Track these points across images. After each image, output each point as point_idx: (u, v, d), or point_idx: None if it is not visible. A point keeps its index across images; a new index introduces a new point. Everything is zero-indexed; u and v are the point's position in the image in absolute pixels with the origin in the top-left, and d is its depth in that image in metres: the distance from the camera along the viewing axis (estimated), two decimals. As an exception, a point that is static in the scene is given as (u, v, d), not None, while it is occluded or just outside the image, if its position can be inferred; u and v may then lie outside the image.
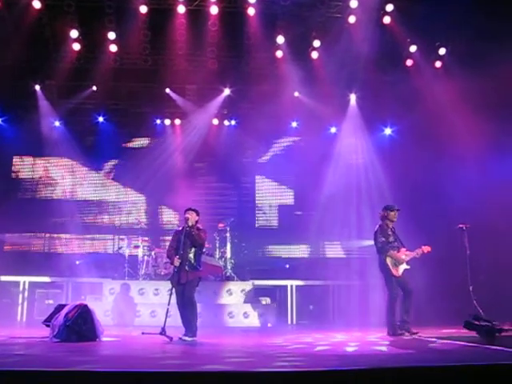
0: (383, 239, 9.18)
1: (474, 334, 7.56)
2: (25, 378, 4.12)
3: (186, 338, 8.06)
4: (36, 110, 14.11)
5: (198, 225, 8.79)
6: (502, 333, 7.04)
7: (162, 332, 8.08)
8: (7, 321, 11.52)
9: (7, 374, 4.14)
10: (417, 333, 8.71)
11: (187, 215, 8.71)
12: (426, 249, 9.15)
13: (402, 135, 14.32)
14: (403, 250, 9.19)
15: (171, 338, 7.97)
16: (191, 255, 8.56)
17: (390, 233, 9.28)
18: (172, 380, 4.22)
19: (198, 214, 8.87)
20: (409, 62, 13.17)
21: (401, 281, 9.05)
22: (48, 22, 12.53)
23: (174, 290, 8.52)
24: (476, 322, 7.33)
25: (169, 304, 8.42)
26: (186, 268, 8.41)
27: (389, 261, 9.07)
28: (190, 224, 8.63)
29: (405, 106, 12.98)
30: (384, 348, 7.05)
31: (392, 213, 9.35)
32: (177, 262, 8.35)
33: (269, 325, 11.71)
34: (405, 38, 12.68)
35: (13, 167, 14.82)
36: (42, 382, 4.09)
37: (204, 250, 9.27)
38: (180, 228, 8.92)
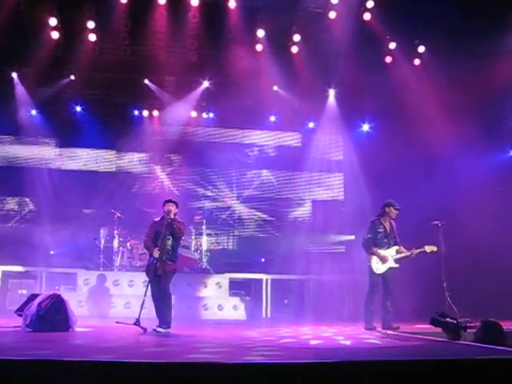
0: (370, 235, 9.26)
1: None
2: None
3: (161, 330, 8.04)
4: (13, 97, 13.94)
5: (177, 217, 8.79)
6: (467, 330, 7.15)
7: (137, 323, 8.04)
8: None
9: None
10: (398, 327, 8.78)
11: (169, 207, 8.67)
12: (430, 248, 9.22)
13: (379, 131, 14.44)
14: (395, 247, 9.24)
15: (145, 330, 7.92)
16: (169, 247, 8.56)
17: (380, 230, 9.31)
18: (145, 370, 4.21)
19: (177, 206, 8.86)
20: (388, 59, 13.23)
21: (383, 278, 9.13)
22: (26, 9, 12.32)
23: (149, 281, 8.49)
24: (441, 319, 7.44)
25: (145, 295, 8.36)
26: (164, 259, 8.39)
27: (372, 258, 9.14)
28: (171, 216, 8.61)
29: (383, 102, 13.09)
30: (354, 342, 7.12)
31: (394, 210, 9.42)
32: (156, 254, 8.33)
33: (245, 318, 11.77)
34: (385, 34, 12.76)
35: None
36: (10, 370, 4.07)
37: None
38: (158, 219, 8.88)
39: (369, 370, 4.41)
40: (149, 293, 8.39)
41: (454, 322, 7.35)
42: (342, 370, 4.45)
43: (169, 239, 8.57)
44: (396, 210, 9.46)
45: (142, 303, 8.31)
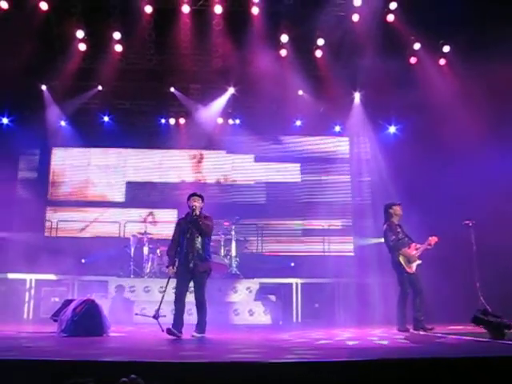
0: (394, 237, 9.19)
1: (481, 330, 7.53)
2: (33, 368, 4.16)
3: (196, 335, 7.73)
4: (43, 110, 14.24)
5: (203, 212, 8.15)
6: (511, 329, 6.97)
7: (156, 315, 7.95)
8: (14, 318, 11.62)
9: (16, 364, 4.21)
10: (432, 329, 8.69)
11: (194, 203, 8.03)
12: (434, 240, 9.13)
13: (406, 133, 14.34)
14: (413, 245, 9.20)
15: (163, 329, 7.72)
16: (199, 246, 7.95)
17: (398, 230, 9.30)
18: (183, 370, 4.24)
19: (203, 200, 8.23)
20: (413, 60, 13.16)
21: (413, 278, 9.06)
22: (54, 23, 12.63)
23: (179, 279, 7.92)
24: (484, 317, 7.24)
25: (165, 290, 8.17)
26: (195, 259, 7.86)
27: (401, 258, 9.08)
28: (197, 213, 7.96)
29: (409, 104, 13.00)
30: (391, 342, 7.07)
31: (397, 207, 9.40)
32: (171, 271, 7.89)
33: (280, 322, 11.79)
34: (409, 35, 12.70)
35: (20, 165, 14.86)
36: (50, 371, 4.14)
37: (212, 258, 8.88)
38: (183, 216, 8.27)
39: (410, 367, 4.41)
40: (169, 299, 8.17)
41: (498, 320, 7.16)
42: (379, 368, 4.44)
43: (197, 238, 7.95)
44: (398, 205, 9.44)
45: (162, 298, 8.13)
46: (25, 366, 4.19)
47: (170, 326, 7.61)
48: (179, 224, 8.24)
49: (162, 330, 7.74)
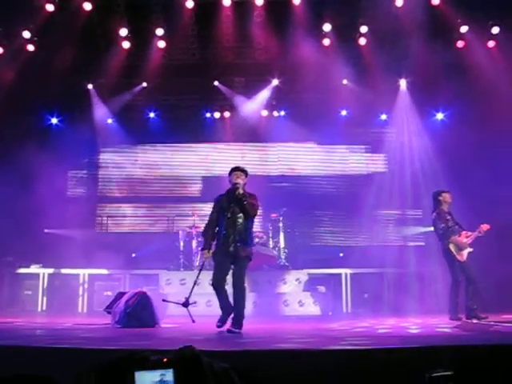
0: (443, 225, 9.07)
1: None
2: (90, 356, 4.26)
3: (235, 330, 6.84)
4: (90, 108, 14.53)
5: (246, 190, 7.21)
6: None
7: (186, 303, 7.51)
8: (69, 311, 12.01)
9: (74, 352, 4.33)
10: (486, 317, 8.53)
11: (237, 179, 7.08)
12: (485, 227, 8.93)
13: (454, 119, 14.01)
14: (464, 232, 9.04)
15: (193, 320, 7.44)
16: (241, 227, 7.03)
17: (448, 217, 9.16)
18: (240, 358, 4.27)
19: (246, 176, 7.26)
20: (460, 44, 12.81)
21: (465, 266, 8.91)
22: (98, 23, 12.82)
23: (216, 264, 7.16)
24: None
25: (198, 277, 7.61)
26: (237, 242, 6.99)
27: (452, 247, 8.95)
28: (240, 191, 7.03)
29: (457, 89, 12.69)
30: (444, 330, 6.96)
31: (446, 195, 9.25)
32: (207, 255, 7.15)
33: (329, 313, 11.77)
34: (455, 18, 12.37)
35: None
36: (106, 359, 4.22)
37: (257, 240, 8.51)
38: (223, 193, 7.35)
39: (468, 353, 4.34)
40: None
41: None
42: (429, 354, 4.38)
43: (240, 218, 7.01)
44: (447, 192, 9.31)
45: (194, 283, 7.55)
46: (84, 354, 4.30)
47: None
48: (218, 201, 7.29)
49: (193, 321, 7.40)
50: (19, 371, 2.89)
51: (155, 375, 2.38)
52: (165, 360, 2.46)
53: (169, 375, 2.39)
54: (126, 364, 2.43)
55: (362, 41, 13.11)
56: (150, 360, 2.47)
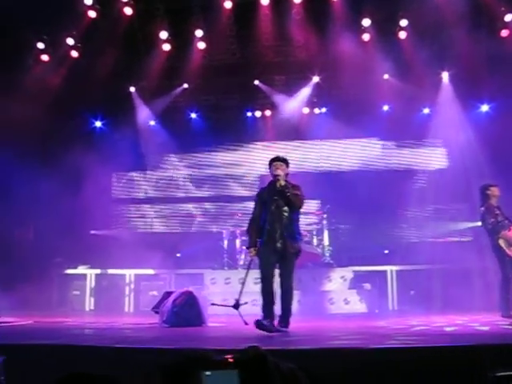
0: (492, 220, 8.87)
1: None
2: (141, 355, 4.35)
3: (283, 329, 6.66)
4: (132, 111, 14.76)
5: (289, 181, 6.82)
6: None
7: (236, 305, 7.12)
8: (116, 311, 12.26)
9: (126, 352, 4.41)
10: None
11: (277, 170, 6.66)
12: None
13: (499, 111, 13.69)
14: None
15: (246, 322, 6.98)
16: (286, 220, 6.64)
17: (497, 212, 8.96)
18: (284, 357, 4.28)
19: (287, 165, 6.85)
20: (504, 33, 12.48)
21: None
22: (139, 27, 13.04)
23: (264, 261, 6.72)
24: None
25: (245, 277, 7.17)
26: (284, 237, 6.62)
27: (501, 242, 8.75)
28: (282, 183, 6.62)
29: (502, 80, 12.40)
30: (492, 327, 6.83)
31: (494, 189, 9.06)
32: (253, 252, 6.77)
33: (376, 311, 11.69)
34: (499, 6, 12.08)
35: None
36: (156, 358, 4.30)
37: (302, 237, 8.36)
38: (264, 186, 7.05)
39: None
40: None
41: None
42: (481, 353, 4.31)
43: (285, 212, 6.61)
44: (495, 186, 9.10)
45: (243, 284, 7.21)
46: (135, 353, 4.39)
47: (260, 318, 6.52)
48: (260, 196, 6.94)
49: (246, 323, 6.97)
50: (83, 370, 2.96)
51: (220, 375, 2.41)
52: (230, 360, 2.48)
53: (234, 376, 2.41)
54: (191, 364, 2.46)
55: (403, 34, 12.92)
56: (213, 360, 2.50)
